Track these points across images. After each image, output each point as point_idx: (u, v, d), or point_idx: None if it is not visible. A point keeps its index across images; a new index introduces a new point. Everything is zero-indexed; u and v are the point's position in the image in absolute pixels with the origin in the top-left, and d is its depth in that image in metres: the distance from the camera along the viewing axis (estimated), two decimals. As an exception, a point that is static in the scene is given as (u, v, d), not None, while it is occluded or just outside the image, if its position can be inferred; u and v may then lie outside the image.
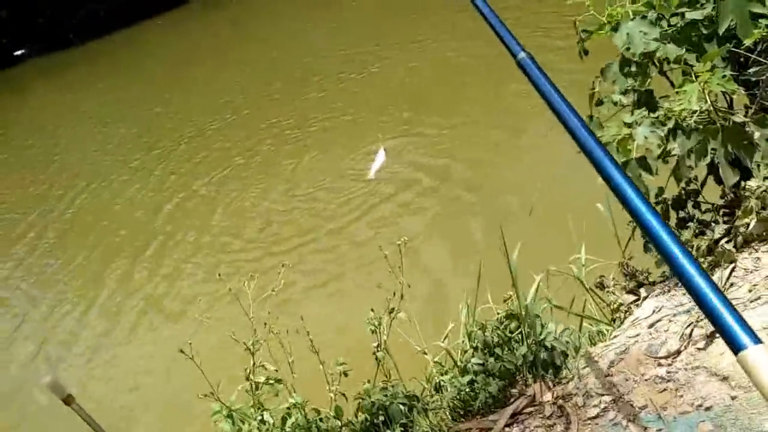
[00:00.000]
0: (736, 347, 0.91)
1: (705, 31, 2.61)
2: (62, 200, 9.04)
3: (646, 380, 2.01)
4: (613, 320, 2.70)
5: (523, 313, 2.49)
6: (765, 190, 2.37)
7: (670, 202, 2.78)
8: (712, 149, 2.23)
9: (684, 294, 2.35)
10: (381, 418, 2.58)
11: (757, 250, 2.31)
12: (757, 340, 0.90)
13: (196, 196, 8.00)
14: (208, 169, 8.54)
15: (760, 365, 0.87)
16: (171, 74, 12.77)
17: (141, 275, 6.83)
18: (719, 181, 2.86)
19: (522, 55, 1.40)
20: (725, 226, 2.46)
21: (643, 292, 2.67)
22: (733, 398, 1.73)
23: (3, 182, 10.47)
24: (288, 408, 2.85)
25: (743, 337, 0.91)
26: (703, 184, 2.83)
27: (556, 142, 5.90)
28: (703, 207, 2.77)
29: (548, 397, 2.25)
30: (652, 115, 2.65)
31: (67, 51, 16.45)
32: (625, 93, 2.85)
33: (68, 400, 2.04)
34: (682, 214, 2.79)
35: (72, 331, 6.24)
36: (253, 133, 9.03)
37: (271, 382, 2.96)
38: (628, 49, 2.52)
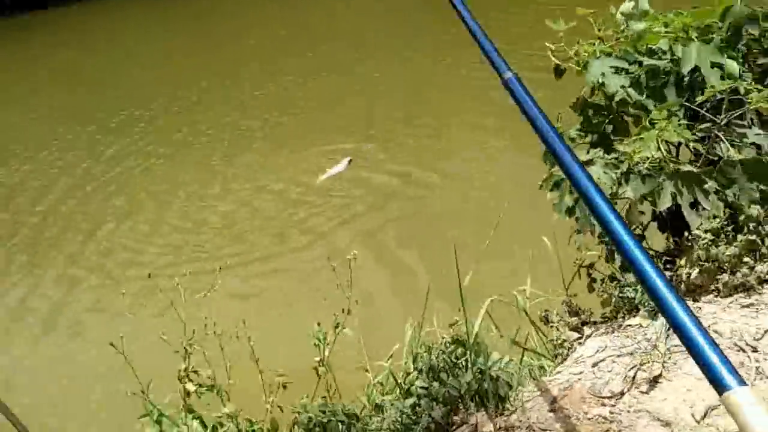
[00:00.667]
0: (720, 388, 0.92)
1: (664, 81, 2.73)
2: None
3: (588, 419, 2.04)
4: (556, 356, 2.75)
5: (470, 340, 2.50)
6: (709, 242, 2.48)
7: (613, 247, 2.87)
8: (672, 192, 2.32)
9: (627, 336, 2.43)
10: (318, 435, 2.52)
11: (698, 300, 2.41)
12: (742, 382, 0.92)
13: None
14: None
15: (744, 407, 0.88)
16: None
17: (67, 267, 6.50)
18: (662, 229, 3.00)
19: (508, 74, 1.39)
20: (668, 274, 2.56)
21: (586, 330, 2.74)
22: (674, 444, 1.79)
23: None
24: (220, 417, 2.75)
25: (728, 378, 0.92)
26: (644, 230, 2.95)
27: (518, 167, 6.05)
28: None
29: (490, 428, 2.26)
30: (606, 156, 2.74)
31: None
32: (584, 131, 2.95)
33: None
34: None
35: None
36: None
37: (203, 390, 2.86)
38: (601, 84, 2.61)
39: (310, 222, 6.37)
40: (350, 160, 6.75)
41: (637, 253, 1.10)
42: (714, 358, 0.95)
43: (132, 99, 9.83)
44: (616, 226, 1.13)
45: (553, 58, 2.95)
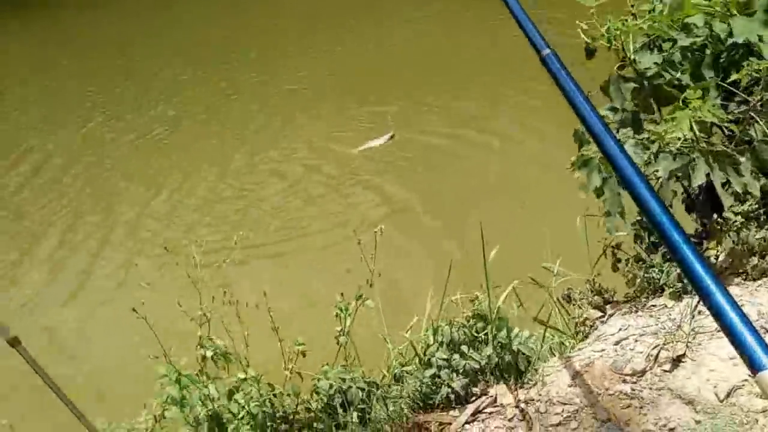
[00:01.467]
0: (755, 366, 0.92)
1: (698, 59, 2.67)
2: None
3: (610, 394, 2.05)
4: (577, 333, 2.75)
5: (492, 314, 2.51)
6: (739, 224, 2.45)
7: (643, 225, 2.85)
8: (705, 170, 2.28)
9: (651, 316, 2.42)
10: (339, 400, 2.56)
11: (726, 283, 2.39)
12: None
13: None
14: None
15: None
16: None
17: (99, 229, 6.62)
18: (690, 210, 2.96)
19: (546, 51, 1.36)
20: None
21: (608, 309, 2.73)
22: (697, 422, 1.79)
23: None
24: (236, 381, 2.79)
25: (763, 358, 0.92)
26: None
27: (550, 148, 5.99)
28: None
29: (510, 400, 2.27)
30: (636, 136, 2.70)
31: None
32: (612, 110, 2.90)
33: (13, 341, 1.94)
34: (653, 238, 2.86)
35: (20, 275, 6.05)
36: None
37: (219, 357, 2.90)
38: (633, 61, 2.57)
39: (339, 192, 6.39)
40: (392, 135, 6.71)
41: (675, 233, 1.09)
42: (749, 338, 0.95)
43: (177, 61, 9.88)
44: (653, 205, 1.12)
45: (583, 36, 2.90)
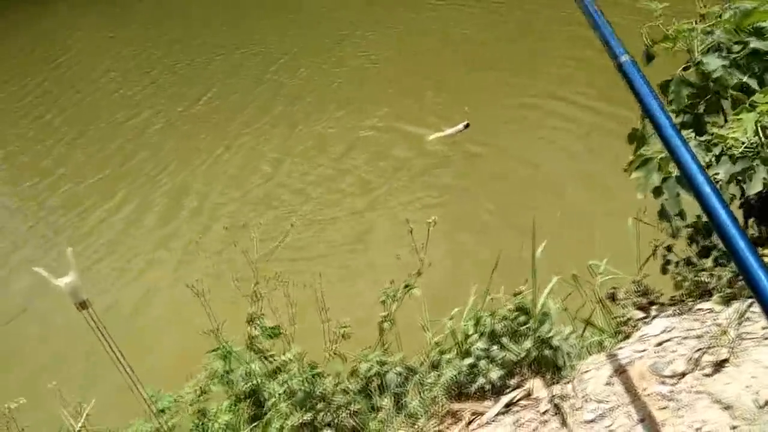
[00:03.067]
0: None
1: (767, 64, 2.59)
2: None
3: (647, 395, 2.03)
4: (617, 333, 2.72)
5: (535, 309, 2.51)
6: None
7: (697, 228, 2.79)
8: (764, 178, 2.22)
9: (696, 320, 2.37)
10: (376, 383, 2.62)
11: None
12: None
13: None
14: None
15: None
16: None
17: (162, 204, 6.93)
18: (748, 216, 2.87)
19: (625, 57, 1.33)
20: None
21: (653, 311, 2.69)
22: (733, 428, 1.76)
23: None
24: (280, 363, 2.88)
25: None
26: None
27: (600, 150, 5.89)
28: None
29: (545, 394, 2.28)
30: (698, 138, 2.64)
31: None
32: (676, 113, 2.84)
33: (83, 305, 2.07)
34: (706, 242, 2.80)
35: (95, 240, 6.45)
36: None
37: (266, 335, 3.00)
38: (698, 63, 2.51)
39: (398, 178, 6.47)
40: (467, 125, 6.71)
41: (732, 231, 1.09)
42: None
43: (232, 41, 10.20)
44: (724, 218, 1.11)
45: (645, 39, 2.84)
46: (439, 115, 7.16)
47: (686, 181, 1.19)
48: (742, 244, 1.06)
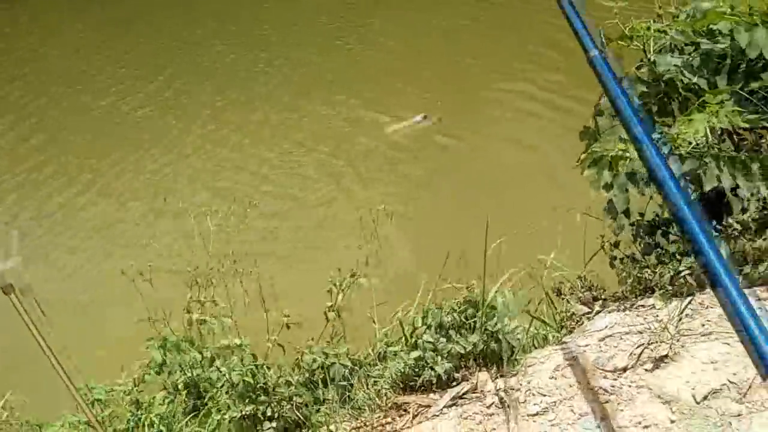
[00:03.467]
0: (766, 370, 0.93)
1: (718, 65, 2.65)
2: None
3: (589, 389, 2.05)
4: (562, 327, 2.75)
5: (483, 302, 2.51)
6: (739, 232, 2.44)
7: (642, 226, 2.84)
8: (716, 174, 2.26)
9: (638, 315, 2.41)
10: (320, 376, 2.57)
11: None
12: None
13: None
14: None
15: None
16: None
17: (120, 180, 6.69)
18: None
19: (594, 52, 1.37)
20: (692, 261, 2.52)
21: (597, 306, 2.73)
22: (672, 422, 1.79)
23: None
24: (218, 348, 2.81)
25: None
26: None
27: (558, 145, 5.97)
28: (671, 238, 2.84)
29: (491, 387, 2.28)
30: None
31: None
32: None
33: (7, 290, 1.94)
34: (650, 240, 2.85)
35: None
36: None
37: (203, 321, 2.92)
38: (653, 63, 2.54)
39: (354, 169, 6.40)
40: (425, 116, 6.77)
41: (697, 232, 1.10)
42: (763, 341, 0.97)
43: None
44: (675, 193, 1.13)
45: (601, 37, 2.86)
46: (407, 107, 7.15)
47: (650, 173, 1.21)
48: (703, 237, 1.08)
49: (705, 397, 1.83)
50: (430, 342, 2.43)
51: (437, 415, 2.26)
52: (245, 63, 8.76)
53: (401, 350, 2.57)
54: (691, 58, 2.58)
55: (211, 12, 10.42)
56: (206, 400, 2.42)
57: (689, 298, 2.36)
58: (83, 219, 6.39)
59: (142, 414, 2.39)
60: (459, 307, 2.55)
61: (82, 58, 9.51)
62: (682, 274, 2.50)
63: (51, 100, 8.55)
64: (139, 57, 9.35)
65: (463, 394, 2.29)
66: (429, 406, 2.28)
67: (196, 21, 10.17)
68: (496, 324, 2.46)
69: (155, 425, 2.34)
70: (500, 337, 2.43)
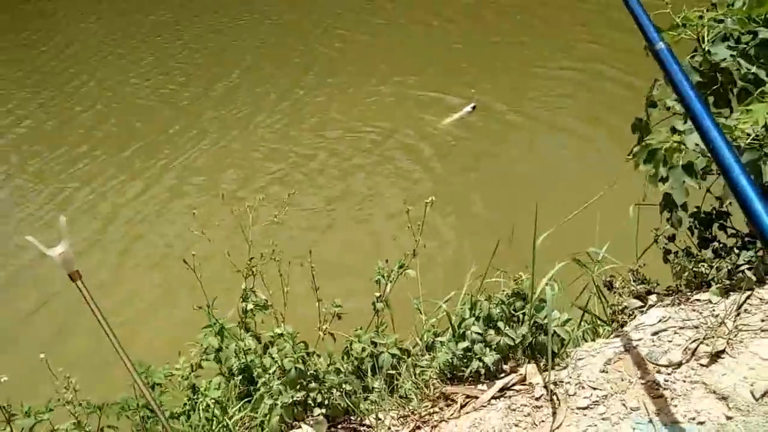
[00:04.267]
0: None
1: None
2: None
3: (642, 383, 2.02)
4: (613, 321, 2.71)
5: (532, 294, 2.49)
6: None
7: (698, 219, 2.76)
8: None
9: (693, 310, 2.35)
10: (369, 364, 2.61)
11: (776, 283, 2.30)
12: None
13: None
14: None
15: None
16: None
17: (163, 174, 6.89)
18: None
19: (660, 45, 1.36)
20: (751, 254, 2.44)
21: (650, 300, 2.67)
22: (728, 418, 1.74)
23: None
24: (272, 336, 2.87)
25: None
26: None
27: (606, 141, 5.87)
28: (729, 232, 2.75)
29: (539, 379, 2.27)
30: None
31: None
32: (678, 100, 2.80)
33: (75, 275, 2.02)
34: (706, 234, 2.77)
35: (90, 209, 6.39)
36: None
37: (258, 309, 2.98)
38: (708, 52, 2.47)
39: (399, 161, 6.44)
40: (474, 107, 6.78)
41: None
42: None
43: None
44: (743, 183, 1.10)
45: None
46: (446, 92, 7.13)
47: (720, 169, 1.17)
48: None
49: (764, 394, 1.77)
50: (478, 333, 2.43)
51: (485, 406, 2.26)
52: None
53: (449, 341, 2.58)
54: (748, 47, 2.49)
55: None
56: (259, 385, 2.48)
57: (748, 293, 2.29)
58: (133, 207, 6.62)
59: (198, 398, 2.47)
60: (507, 299, 2.55)
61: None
62: (741, 268, 2.43)
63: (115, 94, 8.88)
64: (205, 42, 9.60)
65: (511, 385, 2.29)
66: (476, 397, 2.28)
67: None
68: (545, 317, 2.44)
69: (210, 409, 2.42)
70: (549, 329, 2.41)
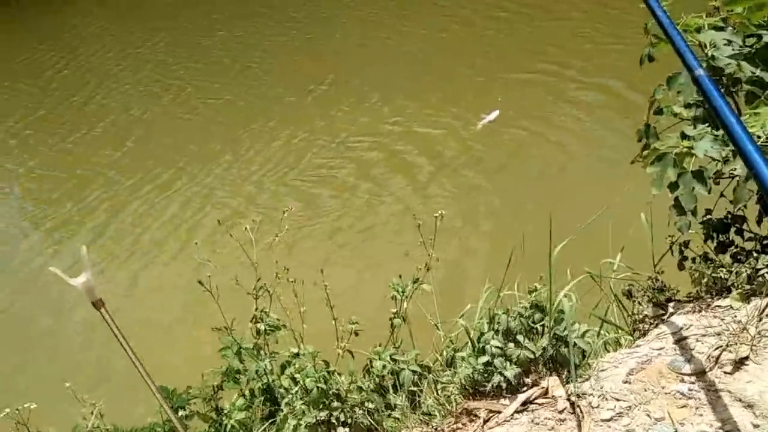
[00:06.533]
0: None
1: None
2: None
3: (666, 393, 2.01)
4: (634, 331, 2.70)
5: (551, 306, 2.49)
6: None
7: (713, 224, 2.76)
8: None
9: (715, 317, 2.34)
10: (390, 381, 2.61)
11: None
12: None
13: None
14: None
15: None
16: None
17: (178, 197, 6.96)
18: (766, 211, 2.83)
19: (700, 72, 1.39)
20: (766, 258, 2.43)
21: (670, 308, 2.66)
22: (755, 426, 1.73)
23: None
24: (289, 357, 2.88)
25: None
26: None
27: (615, 150, 5.88)
28: (746, 236, 2.74)
29: (562, 392, 2.26)
30: (714, 132, 2.60)
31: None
32: (687, 106, 2.80)
33: (98, 304, 2.06)
34: (722, 238, 2.76)
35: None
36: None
37: (271, 330, 2.99)
38: (712, 57, 2.47)
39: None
40: (499, 111, 6.89)
41: None
42: None
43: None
44: None
45: (649, 38, 2.80)
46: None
47: (754, 177, 1.19)
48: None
49: (790, 401, 1.76)
50: (498, 347, 2.43)
51: (508, 420, 2.25)
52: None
53: (469, 355, 2.58)
54: (753, 51, 2.50)
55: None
56: (282, 406, 2.50)
57: (770, 297, 2.28)
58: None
59: (223, 420, 2.49)
60: (526, 312, 2.54)
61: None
62: (761, 272, 2.42)
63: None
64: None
65: (534, 399, 2.28)
66: (499, 412, 2.28)
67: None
68: (565, 328, 2.44)
69: (236, 430, 2.43)
70: (570, 341, 2.41)
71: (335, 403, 2.46)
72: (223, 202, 6.76)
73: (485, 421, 2.27)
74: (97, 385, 4.47)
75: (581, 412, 2.10)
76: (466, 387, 2.47)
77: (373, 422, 2.45)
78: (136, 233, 6.66)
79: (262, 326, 3.00)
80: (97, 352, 4.92)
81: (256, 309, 3.02)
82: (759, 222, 2.75)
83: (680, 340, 2.24)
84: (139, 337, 4.98)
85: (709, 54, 2.64)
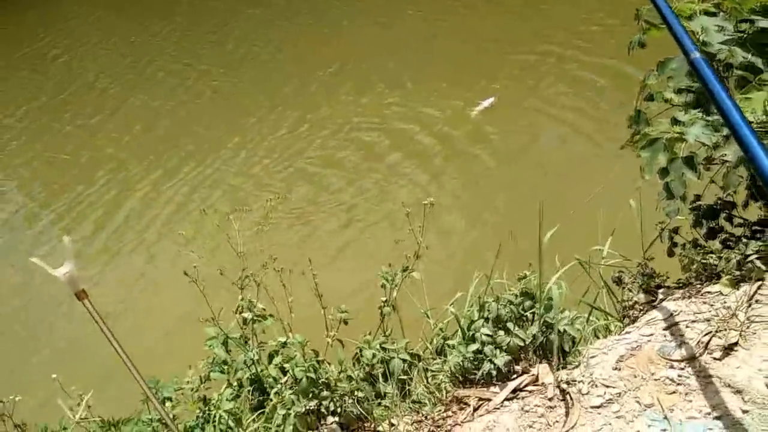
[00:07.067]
0: None
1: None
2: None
3: (655, 379, 2.01)
4: (623, 317, 2.69)
5: (541, 293, 2.48)
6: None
7: (703, 210, 2.75)
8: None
9: (704, 303, 2.34)
10: (380, 370, 2.60)
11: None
12: None
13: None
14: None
15: None
16: None
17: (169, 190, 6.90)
18: (756, 197, 2.82)
19: (696, 54, 1.39)
20: (759, 244, 2.43)
21: (660, 294, 2.66)
22: (744, 412, 1.73)
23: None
24: (277, 346, 2.86)
25: None
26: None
27: (607, 139, 5.87)
28: (735, 221, 2.74)
29: (551, 379, 2.26)
30: (706, 118, 2.59)
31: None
32: (678, 91, 2.78)
33: (81, 295, 2.02)
34: (711, 224, 2.76)
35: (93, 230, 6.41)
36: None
37: (258, 319, 2.96)
38: (703, 43, 2.45)
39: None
40: (496, 97, 6.87)
41: None
42: None
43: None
44: None
45: (641, 24, 2.78)
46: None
47: (762, 180, 1.19)
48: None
49: (779, 386, 1.76)
50: (488, 335, 2.42)
51: (498, 408, 2.25)
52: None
53: (459, 344, 2.57)
54: (745, 36, 2.48)
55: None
56: (271, 396, 2.48)
57: (758, 283, 2.28)
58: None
59: (211, 411, 2.46)
60: (516, 299, 2.54)
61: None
62: (750, 258, 2.41)
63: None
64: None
65: (524, 386, 2.28)
66: (489, 399, 2.27)
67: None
68: (554, 316, 2.43)
69: (224, 421, 2.42)
70: (559, 328, 2.40)
71: (325, 393, 2.45)
72: (232, 187, 6.74)
73: (475, 409, 2.27)
74: (108, 380, 4.42)
75: (571, 399, 2.09)
76: (456, 375, 2.46)
77: (362, 411, 2.44)
78: (146, 220, 6.61)
79: (248, 315, 2.97)
80: (108, 348, 4.88)
81: (242, 299, 2.99)
82: (745, 206, 2.75)
83: (670, 327, 2.24)
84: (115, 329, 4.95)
85: (701, 39, 2.62)
